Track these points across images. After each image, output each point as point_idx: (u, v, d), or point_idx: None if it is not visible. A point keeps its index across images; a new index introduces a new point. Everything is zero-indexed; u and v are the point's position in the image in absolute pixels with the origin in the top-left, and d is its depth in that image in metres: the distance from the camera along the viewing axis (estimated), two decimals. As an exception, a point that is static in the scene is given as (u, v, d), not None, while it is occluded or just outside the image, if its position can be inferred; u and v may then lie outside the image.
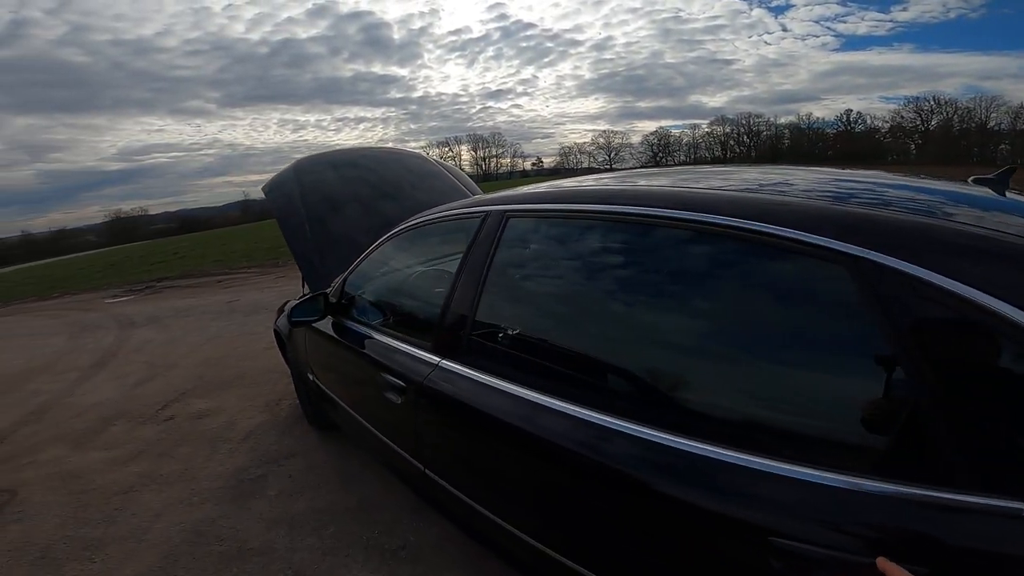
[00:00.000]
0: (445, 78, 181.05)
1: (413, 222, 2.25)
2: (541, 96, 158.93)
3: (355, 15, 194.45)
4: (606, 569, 1.21)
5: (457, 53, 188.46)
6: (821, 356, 1.00)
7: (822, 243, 0.95)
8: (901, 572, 0.70)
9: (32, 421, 4.31)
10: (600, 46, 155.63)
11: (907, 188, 1.31)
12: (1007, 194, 1.22)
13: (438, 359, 1.69)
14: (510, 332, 1.55)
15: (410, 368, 1.77)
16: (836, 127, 62.93)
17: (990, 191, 1.25)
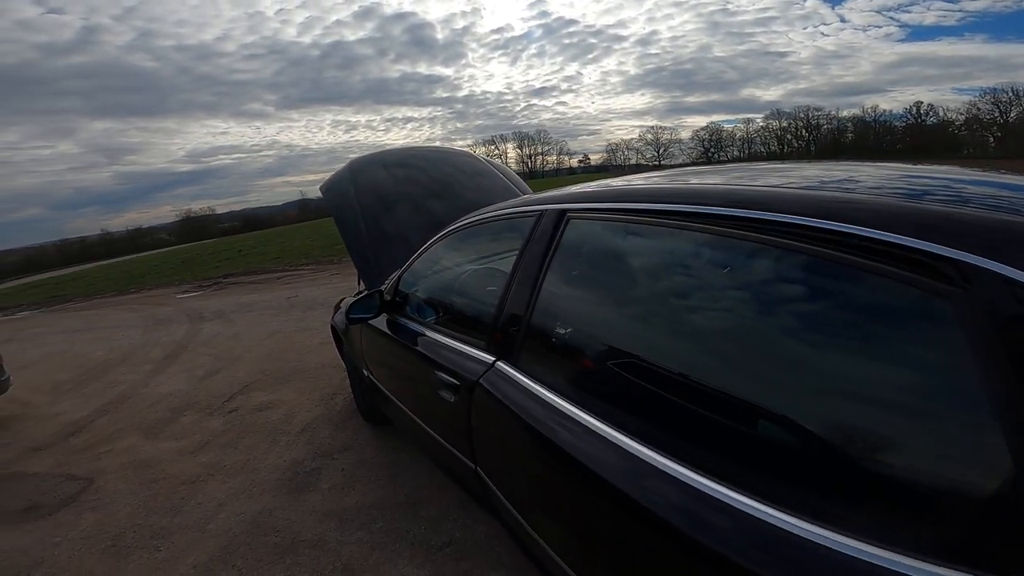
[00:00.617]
0: (489, 76, 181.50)
1: (466, 221, 2.20)
2: (586, 93, 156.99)
3: (399, 16, 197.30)
4: None
5: (500, 51, 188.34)
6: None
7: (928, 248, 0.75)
8: None
9: (111, 410, 4.52)
10: (645, 41, 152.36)
11: (990, 184, 1.10)
12: None
13: (493, 358, 1.62)
14: (566, 339, 1.43)
15: (464, 367, 1.71)
16: (905, 120, 58.22)
17: None
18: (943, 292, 0.71)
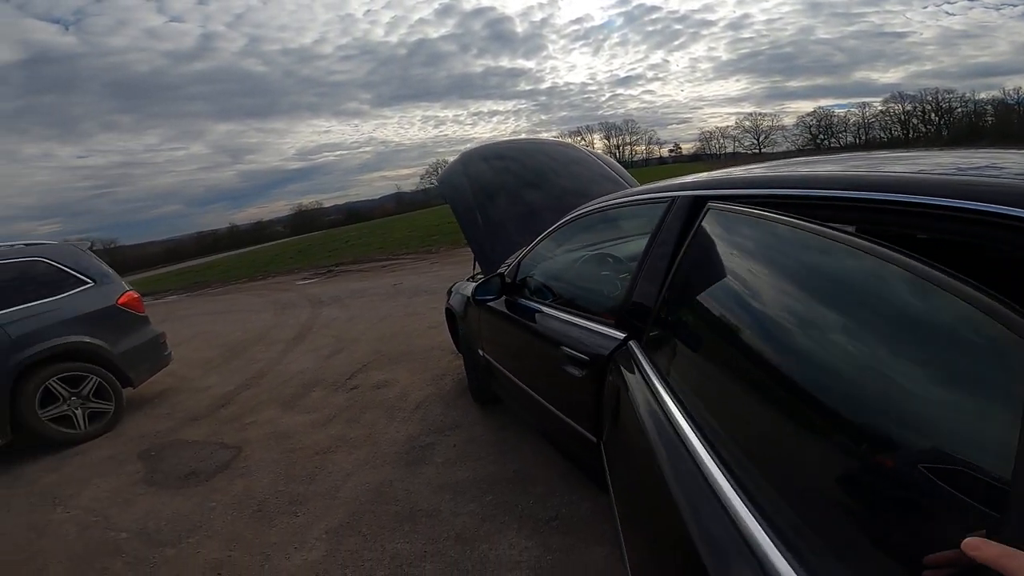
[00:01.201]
0: (571, 68, 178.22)
1: (588, 208, 2.18)
2: (674, 80, 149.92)
3: (478, 11, 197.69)
4: None
5: (581, 42, 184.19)
6: None
7: None
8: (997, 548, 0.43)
9: (252, 385, 4.86)
10: (736, 25, 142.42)
11: None
12: None
13: (624, 335, 1.56)
14: (692, 335, 1.29)
15: (594, 343, 1.67)
16: None
17: None
18: None
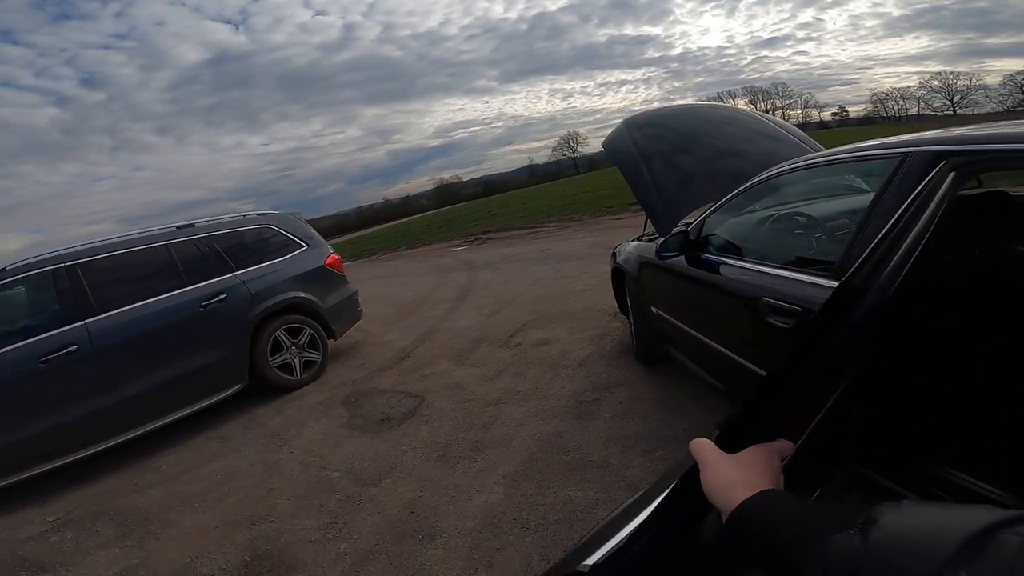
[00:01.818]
0: (704, 31, 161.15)
1: (787, 167, 2.12)
2: (832, 40, 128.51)
3: None
4: None
5: (712, 3, 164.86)
6: None
7: None
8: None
9: (426, 340, 5.21)
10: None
11: None
12: None
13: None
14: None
15: (807, 294, 1.62)
16: None
17: None
18: None
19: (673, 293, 2.81)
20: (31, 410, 3.29)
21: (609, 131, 3.76)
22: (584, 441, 2.68)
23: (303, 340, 4.46)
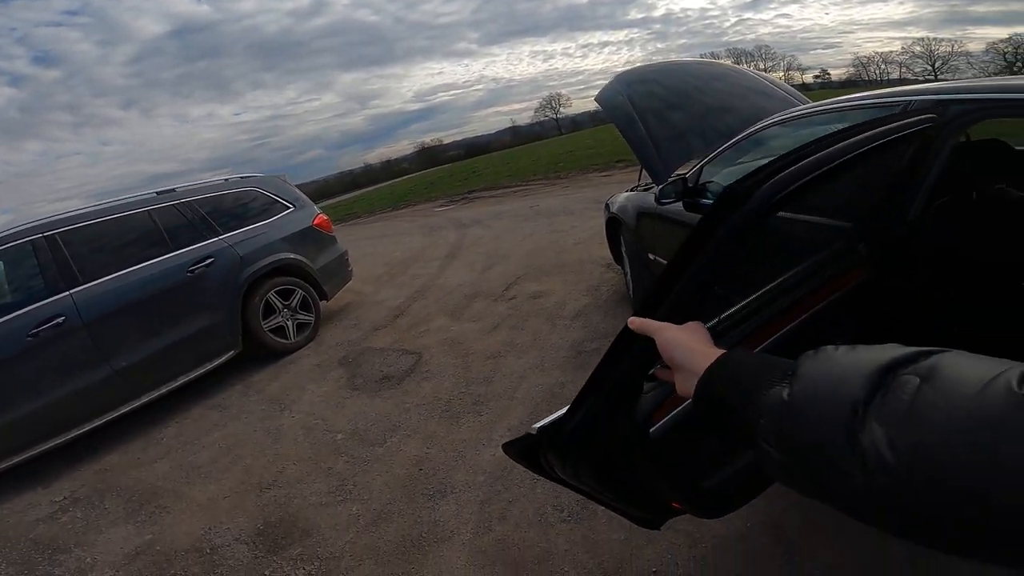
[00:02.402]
0: None
1: (787, 115, 2.17)
2: (816, 4, 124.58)
3: None
4: None
5: None
6: None
7: None
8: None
9: (419, 297, 5.13)
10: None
11: None
12: None
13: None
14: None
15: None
16: None
17: None
18: None
19: (671, 240, 2.81)
20: (26, 387, 3.17)
21: (595, 91, 3.75)
22: (587, 391, 2.68)
23: (295, 302, 4.36)
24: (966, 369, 0.35)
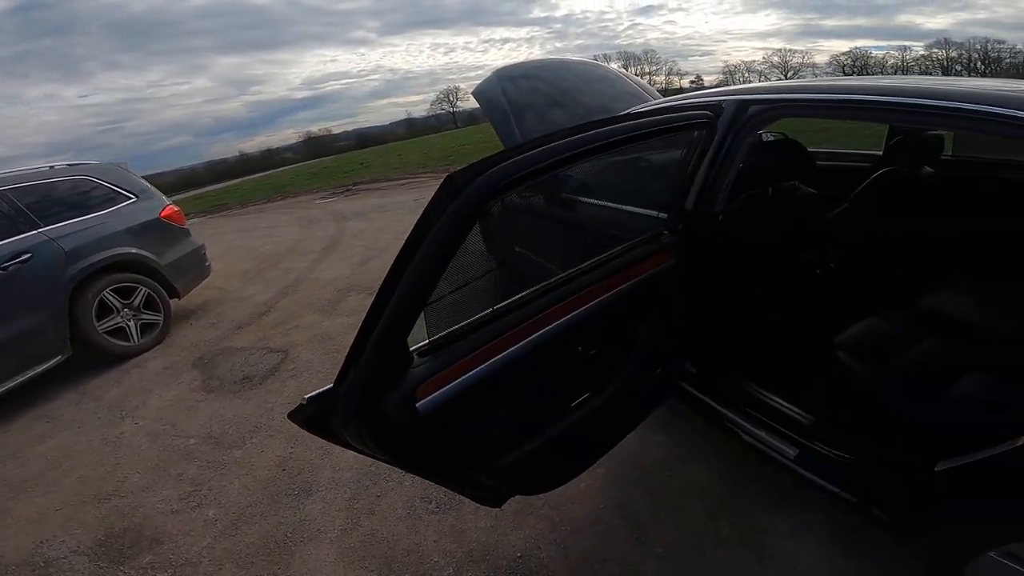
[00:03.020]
0: None
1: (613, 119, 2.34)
2: (699, 12, 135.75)
3: None
4: None
5: None
6: None
7: None
8: None
9: (290, 293, 4.88)
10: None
11: None
12: None
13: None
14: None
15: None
16: None
17: None
18: None
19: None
20: None
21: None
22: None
23: (137, 301, 3.93)
24: None
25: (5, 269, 3.30)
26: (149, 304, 4.02)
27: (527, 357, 1.20)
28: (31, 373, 3.38)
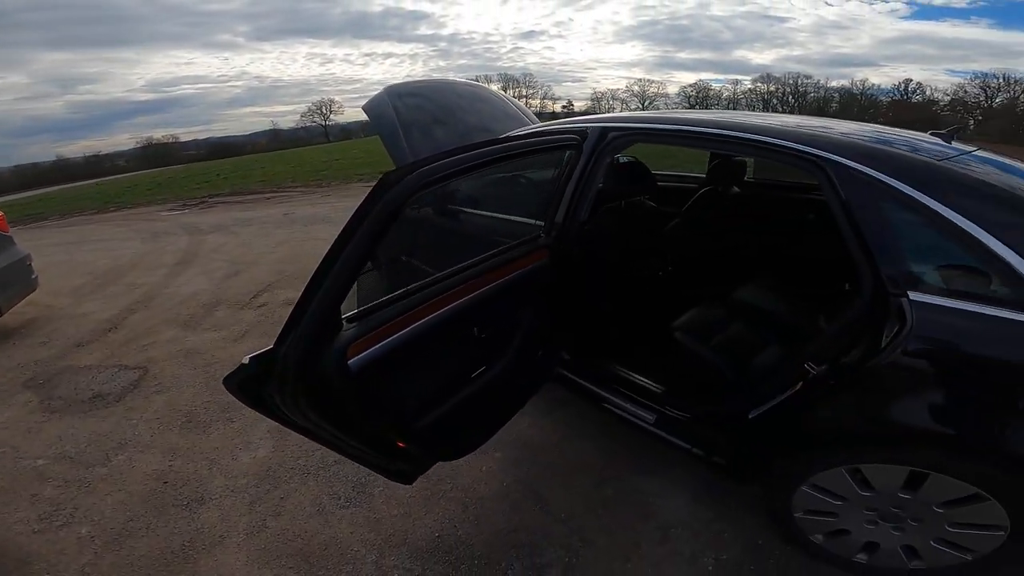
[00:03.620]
0: (477, 15, 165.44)
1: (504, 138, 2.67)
2: (575, 40, 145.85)
3: None
4: None
5: None
6: None
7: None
8: None
9: (140, 309, 4.42)
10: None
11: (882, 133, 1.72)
12: (952, 143, 1.64)
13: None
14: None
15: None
16: (892, 95, 55.39)
17: (940, 140, 1.67)
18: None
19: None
20: None
21: (368, 98, 3.81)
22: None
23: (-56, 315, 3.33)
24: None
25: None
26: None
27: (435, 330, 1.40)
28: None
